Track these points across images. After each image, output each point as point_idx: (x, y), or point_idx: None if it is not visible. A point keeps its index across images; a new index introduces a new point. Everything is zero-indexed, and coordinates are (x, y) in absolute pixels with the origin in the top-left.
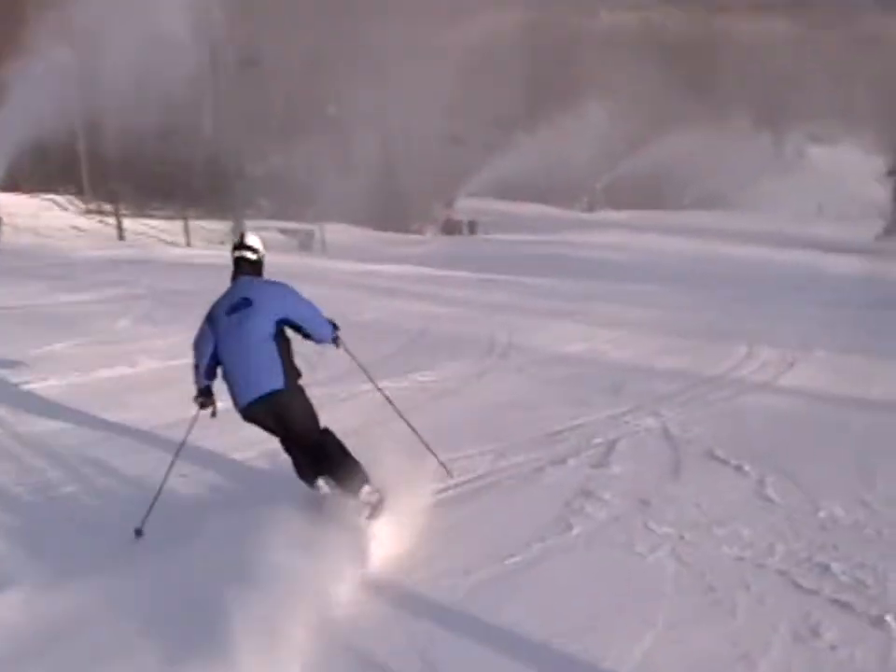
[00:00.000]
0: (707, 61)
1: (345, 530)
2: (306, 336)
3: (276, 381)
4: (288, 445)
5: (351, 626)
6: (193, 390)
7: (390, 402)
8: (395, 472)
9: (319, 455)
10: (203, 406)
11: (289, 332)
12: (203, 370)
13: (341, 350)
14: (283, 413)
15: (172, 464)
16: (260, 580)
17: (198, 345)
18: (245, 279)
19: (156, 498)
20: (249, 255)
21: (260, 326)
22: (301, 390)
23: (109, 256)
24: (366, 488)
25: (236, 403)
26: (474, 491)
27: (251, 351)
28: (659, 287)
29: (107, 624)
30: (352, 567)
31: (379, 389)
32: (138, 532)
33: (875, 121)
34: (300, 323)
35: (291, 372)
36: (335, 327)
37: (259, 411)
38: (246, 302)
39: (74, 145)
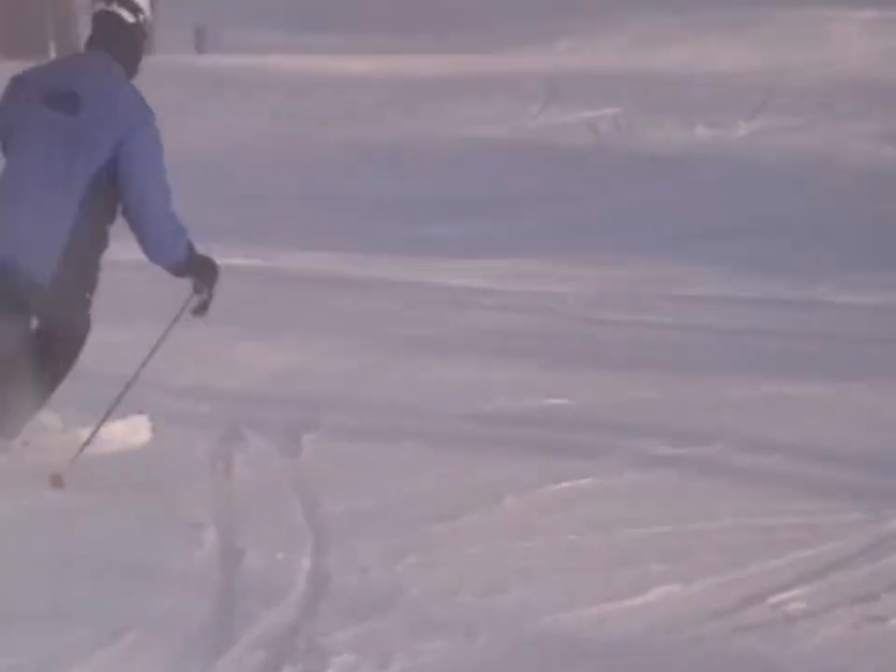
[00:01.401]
0: None
1: None
2: (135, 232)
3: (43, 265)
4: None
5: None
6: None
7: None
8: None
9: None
10: None
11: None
12: None
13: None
14: (23, 316)
15: None
16: None
17: None
18: (92, 58)
19: None
20: (124, 13)
21: (86, 151)
22: (79, 301)
23: None
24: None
25: None
26: None
27: (48, 186)
28: None
29: None
30: None
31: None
32: None
33: None
34: (133, 193)
35: (78, 268)
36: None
37: None
38: (73, 101)
39: None
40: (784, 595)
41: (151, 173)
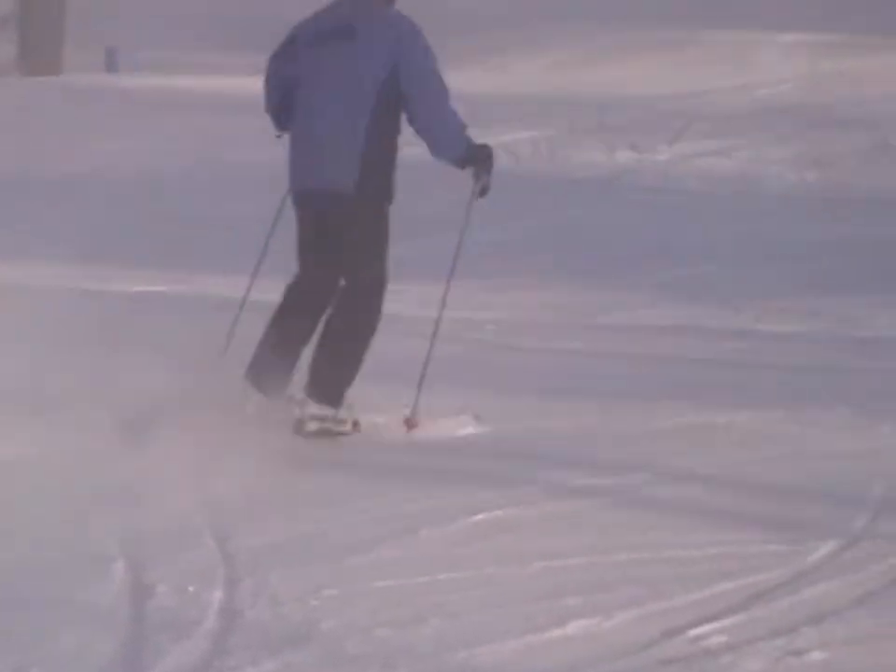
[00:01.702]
0: None
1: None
2: (421, 131)
3: (346, 176)
4: (299, 291)
5: None
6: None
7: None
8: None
9: (325, 329)
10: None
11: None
12: (273, 105)
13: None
14: (336, 229)
15: None
16: None
17: (273, 68)
18: None
19: None
20: None
21: (360, 73)
22: (379, 211)
23: None
24: (342, 410)
25: (291, 181)
26: None
27: (338, 107)
28: None
29: None
30: None
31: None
32: None
33: None
34: (417, 99)
35: (376, 175)
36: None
37: (307, 209)
38: (349, 31)
39: None
40: (705, 629)
41: (429, 79)
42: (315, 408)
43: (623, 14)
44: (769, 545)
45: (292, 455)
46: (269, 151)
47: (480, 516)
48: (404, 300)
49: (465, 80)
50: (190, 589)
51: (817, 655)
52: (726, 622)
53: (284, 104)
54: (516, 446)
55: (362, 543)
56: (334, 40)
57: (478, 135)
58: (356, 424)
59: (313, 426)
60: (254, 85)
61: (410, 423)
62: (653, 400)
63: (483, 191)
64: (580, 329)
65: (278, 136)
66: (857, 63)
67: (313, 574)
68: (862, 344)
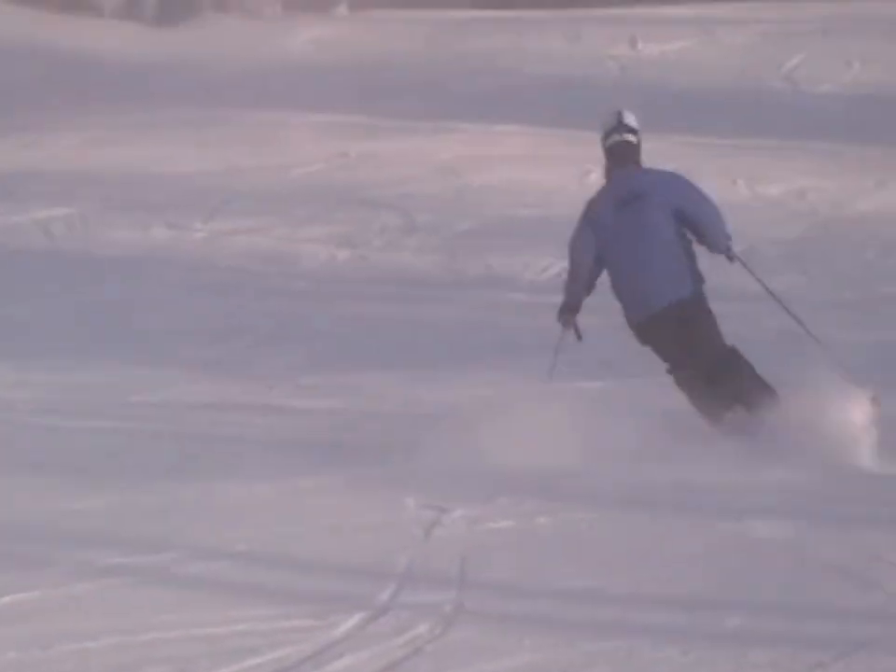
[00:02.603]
0: None
1: None
2: (699, 239)
3: (683, 287)
4: (683, 374)
5: None
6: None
7: None
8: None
9: (727, 378)
10: (566, 325)
11: None
12: (582, 280)
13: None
14: (688, 327)
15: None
16: None
17: (576, 249)
18: (625, 171)
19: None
20: (630, 137)
21: (660, 222)
22: (706, 299)
23: None
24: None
25: (633, 316)
26: None
27: (654, 252)
28: None
29: None
30: None
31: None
32: None
33: None
34: (695, 218)
35: (697, 276)
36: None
37: (661, 324)
38: (637, 196)
39: None
40: None
41: (701, 200)
42: None
43: (149, 94)
44: (298, 619)
45: None
46: None
47: (6, 598)
48: None
49: None
50: None
51: None
52: None
53: (589, 278)
54: (41, 527)
55: None
56: (634, 201)
57: (11, 211)
58: None
59: None
60: None
61: None
62: (179, 475)
63: (735, 258)
64: (115, 407)
65: (579, 339)
66: (385, 145)
67: None
68: (387, 418)
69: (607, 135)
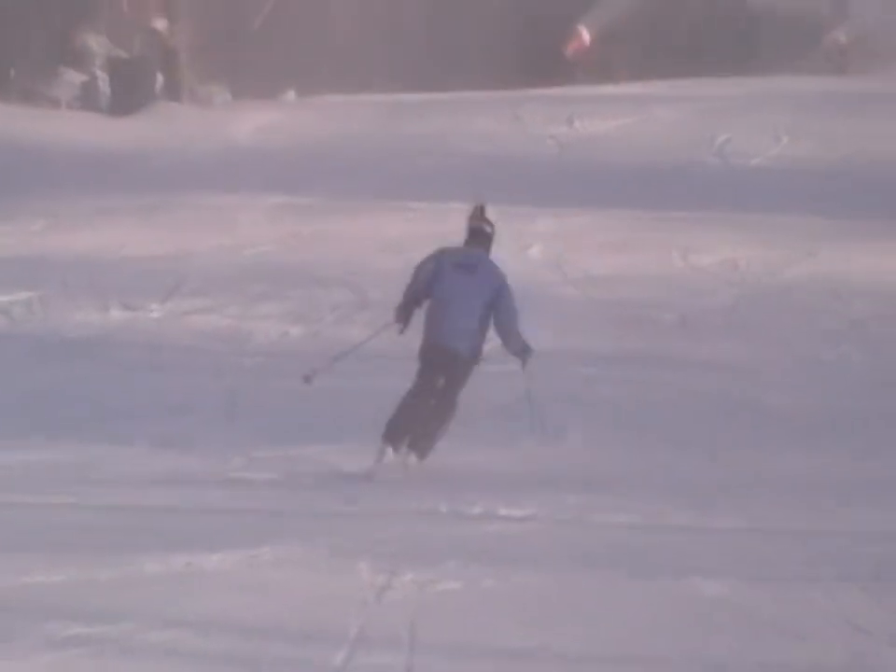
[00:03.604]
0: None
1: None
2: (500, 334)
3: (464, 344)
4: (412, 396)
5: None
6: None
7: None
8: None
9: (429, 414)
10: (397, 319)
11: None
12: (417, 294)
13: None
14: (446, 370)
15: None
16: None
17: (421, 270)
18: (475, 250)
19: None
20: (486, 228)
21: (474, 294)
22: (473, 365)
23: None
24: (412, 457)
25: (425, 338)
26: None
27: (464, 307)
28: None
29: None
30: None
31: None
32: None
33: None
34: (503, 315)
35: (478, 345)
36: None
37: (434, 354)
38: (472, 268)
39: None
40: None
41: (510, 306)
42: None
43: (105, 180)
44: None
45: None
46: None
47: None
48: None
49: None
50: None
51: None
52: None
53: (414, 301)
54: (5, 601)
55: None
56: (464, 272)
57: None
58: None
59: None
60: None
61: None
62: (145, 548)
63: (528, 371)
64: (74, 484)
65: (400, 332)
66: (335, 224)
67: None
68: (338, 487)
69: (472, 217)
